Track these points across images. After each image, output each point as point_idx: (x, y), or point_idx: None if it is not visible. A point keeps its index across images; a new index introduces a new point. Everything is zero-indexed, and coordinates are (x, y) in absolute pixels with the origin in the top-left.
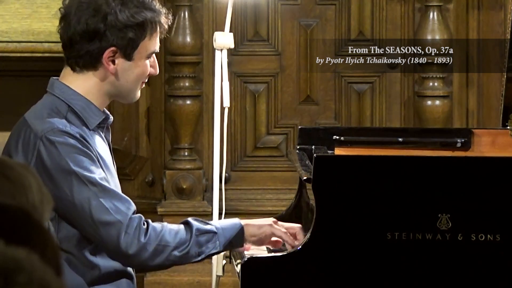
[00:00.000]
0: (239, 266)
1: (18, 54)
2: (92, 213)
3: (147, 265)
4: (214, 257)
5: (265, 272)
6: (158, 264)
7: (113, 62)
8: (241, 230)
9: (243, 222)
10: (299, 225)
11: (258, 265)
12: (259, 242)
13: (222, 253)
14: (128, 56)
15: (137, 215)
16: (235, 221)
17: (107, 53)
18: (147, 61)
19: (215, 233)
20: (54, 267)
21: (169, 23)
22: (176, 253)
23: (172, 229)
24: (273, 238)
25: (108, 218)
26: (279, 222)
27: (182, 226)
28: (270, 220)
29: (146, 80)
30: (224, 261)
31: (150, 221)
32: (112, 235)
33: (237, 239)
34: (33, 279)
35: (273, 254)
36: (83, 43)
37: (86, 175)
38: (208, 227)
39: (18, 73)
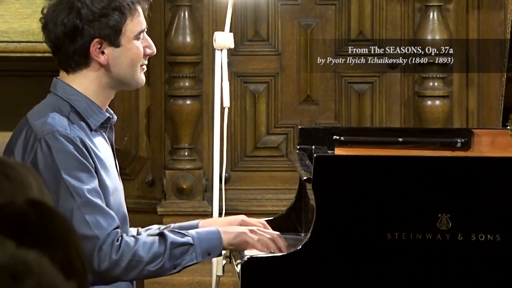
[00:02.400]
0: (239, 266)
1: (18, 54)
2: (72, 224)
3: (121, 280)
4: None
5: (265, 272)
6: (133, 278)
7: (103, 53)
8: (219, 240)
9: (222, 229)
10: (277, 233)
11: (258, 265)
12: (236, 249)
13: (222, 253)
14: (115, 43)
15: (115, 231)
16: (213, 230)
17: (93, 45)
18: (138, 43)
19: (191, 245)
20: (64, 269)
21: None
22: (149, 268)
23: (146, 243)
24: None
25: (86, 232)
26: (259, 229)
27: (156, 239)
28: (246, 228)
29: (146, 62)
30: (224, 261)
31: (124, 235)
32: (87, 250)
33: (215, 250)
34: (41, 283)
35: (273, 254)
36: (68, 44)
37: (75, 185)
38: (184, 239)
39: (18, 73)
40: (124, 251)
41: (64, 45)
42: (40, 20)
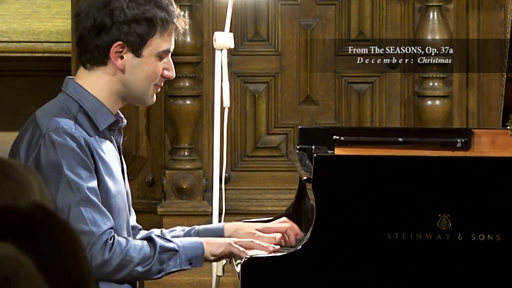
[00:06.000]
0: (239, 266)
1: (18, 54)
2: (69, 219)
3: (110, 279)
4: None
5: (265, 272)
6: (121, 278)
7: (122, 57)
8: (201, 250)
9: (204, 240)
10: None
11: (258, 265)
12: (219, 259)
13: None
14: (137, 52)
15: (109, 230)
16: (196, 240)
17: (114, 47)
18: (159, 62)
19: (176, 251)
20: (53, 276)
21: (185, 26)
22: (139, 268)
23: (136, 245)
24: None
25: (83, 227)
26: (258, 233)
27: (146, 243)
28: (231, 240)
29: (162, 84)
30: (224, 261)
31: (116, 236)
32: None
33: (196, 259)
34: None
35: (273, 254)
36: (92, 38)
37: (75, 181)
38: (170, 245)
39: (18, 73)
40: (116, 250)
41: (87, 38)
42: (76, 9)
